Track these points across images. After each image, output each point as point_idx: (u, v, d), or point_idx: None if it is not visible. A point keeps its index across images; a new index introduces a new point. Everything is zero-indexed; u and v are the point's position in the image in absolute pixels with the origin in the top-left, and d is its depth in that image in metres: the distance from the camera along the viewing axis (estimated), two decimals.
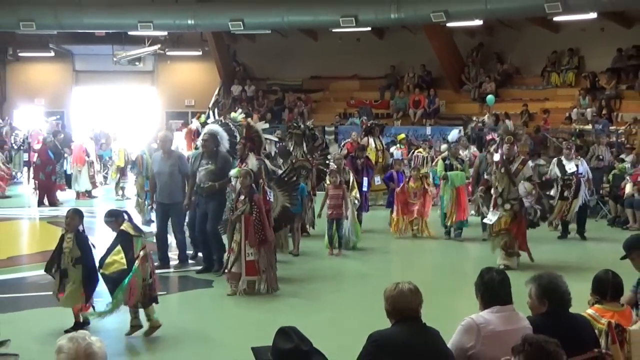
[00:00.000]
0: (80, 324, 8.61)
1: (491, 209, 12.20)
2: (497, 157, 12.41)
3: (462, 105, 27.07)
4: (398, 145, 22.35)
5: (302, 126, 15.83)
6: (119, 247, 8.32)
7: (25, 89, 32.19)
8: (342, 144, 21.78)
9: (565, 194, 15.02)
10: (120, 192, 21.44)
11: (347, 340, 5.74)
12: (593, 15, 23.52)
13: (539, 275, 5.41)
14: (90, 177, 21.79)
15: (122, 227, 8.46)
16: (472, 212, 15.27)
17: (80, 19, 27.84)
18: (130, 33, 29.14)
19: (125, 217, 8.64)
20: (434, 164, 17.97)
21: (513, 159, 12.18)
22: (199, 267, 12.01)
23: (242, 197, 10.43)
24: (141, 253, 8.31)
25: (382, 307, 5.07)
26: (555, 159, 15.82)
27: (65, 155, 21.92)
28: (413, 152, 20.72)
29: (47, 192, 20.27)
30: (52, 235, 15.67)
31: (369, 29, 27.58)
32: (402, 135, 23.20)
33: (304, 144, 15.33)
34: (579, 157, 16.11)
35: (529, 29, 26.82)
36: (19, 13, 27.22)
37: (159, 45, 29.84)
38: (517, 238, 12.17)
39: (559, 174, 15.14)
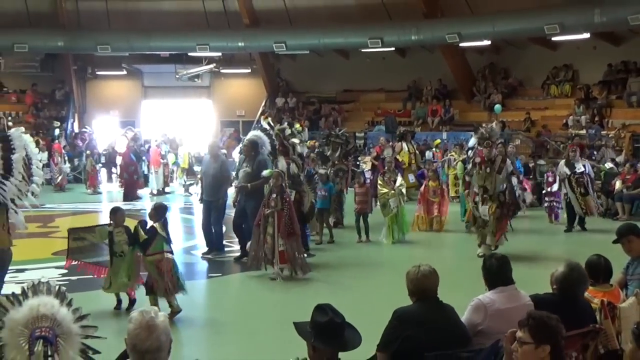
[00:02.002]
0: (131, 303, 8.74)
1: (480, 204, 11.87)
2: (477, 159, 12.01)
3: (473, 113, 26.89)
4: (434, 149, 22.22)
5: (340, 133, 15.94)
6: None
7: (102, 102, 32.45)
8: (371, 147, 21.77)
9: (582, 191, 14.68)
10: (186, 190, 21.69)
11: (374, 316, 5.71)
12: (586, 35, 23.51)
13: (571, 267, 5.33)
14: (165, 177, 22.05)
15: (154, 224, 8.45)
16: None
17: (148, 42, 28.24)
18: (190, 54, 29.36)
19: (162, 218, 8.57)
20: (454, 164, 17.80)
21: (494, 159, 11.90)
22: (237, 255, 12.04)
23: (274, 196, 10.41)
24: (157, 256, 8.32)
25: (404, 289, 5.06)
26: (563, 160, 15.62)
27: (143, 158, 22.21)
28: (447, 156, 20.54)
29: (130, 189, 20.51)
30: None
31: (393, 49, 27.55)
32: (438, 141, 23.14)
33: (340, 149, 15.35)
34: (584, 158, 15.97)
35: (531, 48, 26.63)
36: (97, 38, 27.68)
37: (214, 64, 29.97)
38: (498, 228, 11.91)
39: (568, 172, 14.93)
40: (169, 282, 8.27)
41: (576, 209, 14.82)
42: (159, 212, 8.65)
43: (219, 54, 29.62)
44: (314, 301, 4.55)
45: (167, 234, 8.54)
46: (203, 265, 11.92)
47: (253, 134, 12.58)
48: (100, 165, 24.52)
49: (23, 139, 6.77)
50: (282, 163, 11.98)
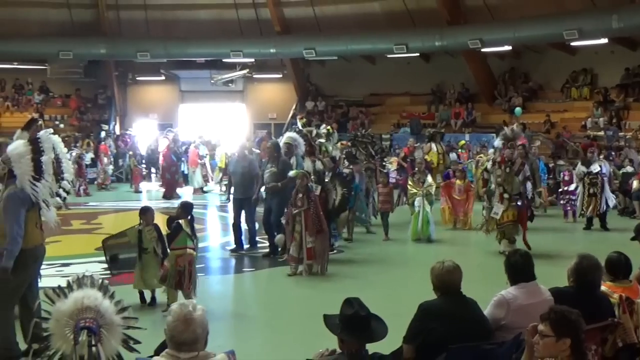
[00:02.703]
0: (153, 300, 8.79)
1: (496, 203, 11.70)
2: (498, 158, 11.84)
3: (495, 116, 26.69)
4: (459, 150, 22.07)
5: (365, 133, 15.89)
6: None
7: (142, 106, 32.72)
8: (397, 148, 21.65)
9: (592, 191, 14.56)
10: (222, 188, 21.80)
11: (399, 309, 5.69)
12: (604, 40, 23.16)
13: (582, 256, 5.29)
14: (203, 176, 22.18)
15: (180, 220, 8.42)
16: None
17: (185, 49, 28.44)
18: (224, 60, 29.47)
19: (188, 216, 8.53)
20: (480, 164, 17.57)
21: (514, 160, 11.73)
22: (265, 251, 12.01)
23: (300, 196, 10.39)
24: (179, 251, 8.28)
25: (427, 284, 5.04)
26: (580, 159, 15.48)
27: (183, 158, 22.37)
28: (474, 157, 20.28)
29: (170, 188, 20.67)
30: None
31: (418, 54, 27.46)
32: (463, 142, 22.99)
33: (366, 149, 15.31)
34: (602, 159, 15.80)
35: (550, 53, 26.33)
36: (137, 46, 27.92)
37: (248, 70, 30.03)
38: (523, 228, 11.75)
39: (585, 171, 14.78)
40: (188, 276, 8.22)
41: (578, 207, 14.68)
42: (185, 209, 8.60)
43: (252, 60, 29.68)
44: (342, 295, 4.55)
45: (192, 230, 8.50)
46: (235, 261, 11.92)
47: (289, 135, 12.67)
48: (143, 165, 24.75)
49: (51, 140, 6.81)
50: (307, 163, 12.03)
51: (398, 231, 13.65)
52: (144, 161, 25.43)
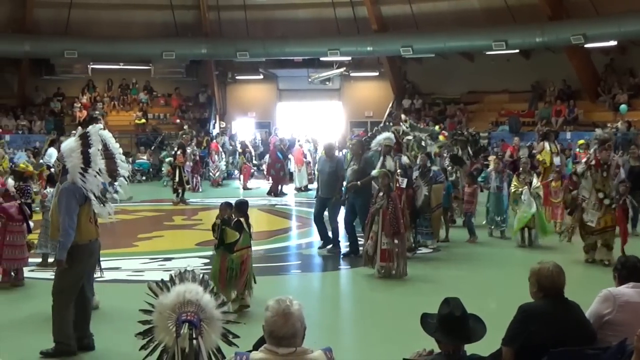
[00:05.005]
0: None
1: (591, 210, 10.89)
2: (592, 161, 11.01)
3: (598, 113, 25.84)
4: (578, 149, 21.39)
5: (466, 133, 15.49)
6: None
7: (241, 105, 33.31)
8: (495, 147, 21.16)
9: None
10: None
11: (500, 309, 5.58)
12: None
13: None
14: (308, 174, 22.41)
15: (239, 219, 8.38)
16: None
17: (283, 48, 28.80)
18: (321, 59, 29.65)
19: (243, 215, 8.48)
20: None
21: (610, 163, 10.96)
22: (346, 250, 11.90)
23: (380, 194, 10.28)
24: (244, 251, 8.26)
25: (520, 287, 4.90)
26: None
27: (289, 156, 22.69)
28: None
29: (276, 185, 21.03)
30: (273, 221, 16.09)
31: (517, 51, 26.86)
32: (582, 141, 22.25)
33: (468, 148, 14.99)
34: None
35: None
36: (236, 46, 28.52)
37: (344, 68, 30.11)
38: (623, 234, 10.93)
39: None
40: (240, 275, 8.20)
41: None
42: (242, 208, 8.54)
43: (349, 58, 29.74)
44: (430, 297, 4.50)
45: (249, 229, 8.50)
46: (316, 260, 11.91)
47: (387, 136, 12.59)
48: (252, 163, 25.25)
49: (100, 134, 6.94)
50: (389, 162, 11.93)
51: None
52: (253, 158, 26.00)
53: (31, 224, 10.08)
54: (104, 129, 7.30)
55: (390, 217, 10.03)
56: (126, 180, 7.38)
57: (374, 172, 11.08)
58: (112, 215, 7.22)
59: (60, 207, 6.64)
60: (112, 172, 7.12)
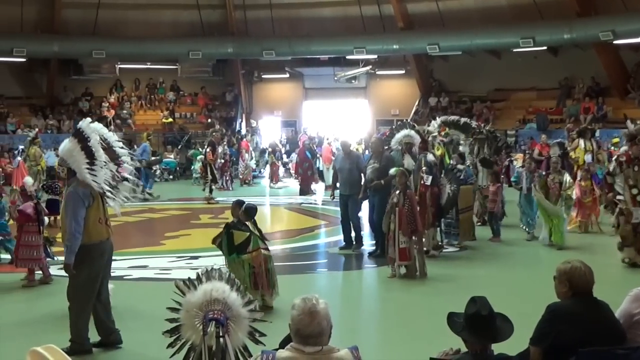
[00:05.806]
0: None
1: (632, 206, 10.43)
2: (623, 158, 10.61)
3: (627, 110, 25.46)
4: (611, 147, 21.14)
5: (484, 131, 15.21)
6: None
7: (267, 103, 33.39)
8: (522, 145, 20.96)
9: None
10: None
11: (527, 308, 5.53)
12: None
13: None
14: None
15: (246, 223, 8.37)
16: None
17: (309, 47, 28.84)
18: (347, 57, 29.61)
19: (251, 219, 8.48)
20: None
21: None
22: (372, 250, 11.85)
23: (396, 192, 10.14)
24: (254, 253, 8.25)
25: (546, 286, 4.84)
26: None
27: (318, 155, 22.71)
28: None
29: (305, 184, 21.09)
30: (300, 219, 16.11)
31: (545, 48, 26.59)
32: (617, 139, 21.95)
33: (486, 146, 14.72)
34: None
35: None
36: (262, 44, 28.58)
37: (371, 66, 30.05)
38: None
39: None
40: (264, 276, 8.22)
41: None
42: (250, 212, 8.52)
43: (375, 56, 29.65)
44: (453, 296, 4.47)
45: (260, 232, 8.48)
46: (341, 259, 11.88)
47: (407, 134, 12.51)
48: (282, 161, 25.32)
49: (92, 127, 6.91)
50: (407, 161, 11.86)
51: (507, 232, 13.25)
52: (283, 157, 26.07)
53: (45, 219, 10.18)
54: (93, 122, 7.24)
55: (407, 215, 9.93)
56: (132, 168, 7.36)
57: (391, 171, 10.98)
58: (127, 202, 7.21)
59: (67, 211, 6.65)
60: (114, 160, 7.09)
